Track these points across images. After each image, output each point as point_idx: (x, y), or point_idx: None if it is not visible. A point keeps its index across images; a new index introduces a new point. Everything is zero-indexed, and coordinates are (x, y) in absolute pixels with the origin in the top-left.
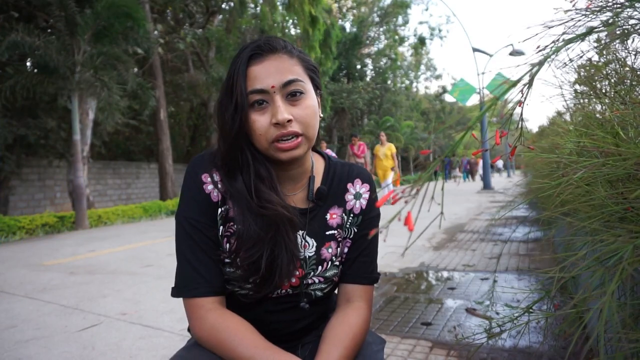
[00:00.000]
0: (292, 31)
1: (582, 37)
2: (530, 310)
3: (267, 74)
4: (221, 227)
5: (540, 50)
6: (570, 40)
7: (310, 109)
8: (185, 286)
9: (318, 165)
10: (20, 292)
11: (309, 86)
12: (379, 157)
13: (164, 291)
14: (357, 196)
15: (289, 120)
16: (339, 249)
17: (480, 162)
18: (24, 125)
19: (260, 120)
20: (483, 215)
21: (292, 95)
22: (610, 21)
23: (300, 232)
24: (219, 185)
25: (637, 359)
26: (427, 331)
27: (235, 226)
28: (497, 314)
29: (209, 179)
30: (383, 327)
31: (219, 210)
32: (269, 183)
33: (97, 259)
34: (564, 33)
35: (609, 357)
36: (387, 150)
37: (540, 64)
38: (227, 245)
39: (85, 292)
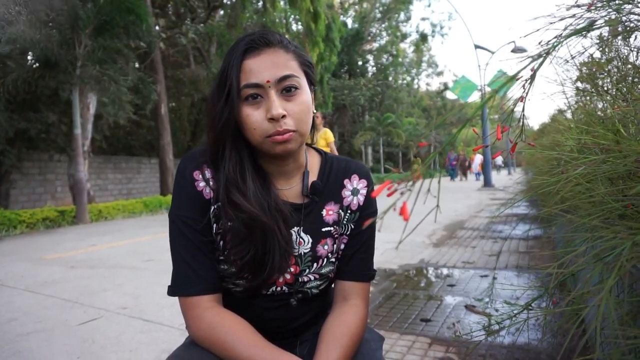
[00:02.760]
0: (294, 27)
1: (583, 30)
2: (530, 307)
3: (263, 68)
4: (214, 225)
5: (542, 46)
6: (572, 34)
7: (304, 104)
8: (181, 285)
9: (313, 161)
10: (21, 285)
11: (303, 81)
12: None
13: (164, 286)
14: (355, 192)
15: (283, 116)
16: (335, 245)
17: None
18: (25, 119)
19: (254, 115)
20: (483, 212)
21: (287, 91)
22: (612, 17)
23: (295, 229)
24: (211, 183)
25: (634, 356)
26: (426, 327)
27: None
28: (497, 310)
29: (200, 176)
30: (382, 323)
31: (212, 207)
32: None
33: (98, 253)
34: (565, 29)
35: (606, 354)
36: (321, 138)
37: (541, 56)
38: (221, 242)
39: (86, 286)
